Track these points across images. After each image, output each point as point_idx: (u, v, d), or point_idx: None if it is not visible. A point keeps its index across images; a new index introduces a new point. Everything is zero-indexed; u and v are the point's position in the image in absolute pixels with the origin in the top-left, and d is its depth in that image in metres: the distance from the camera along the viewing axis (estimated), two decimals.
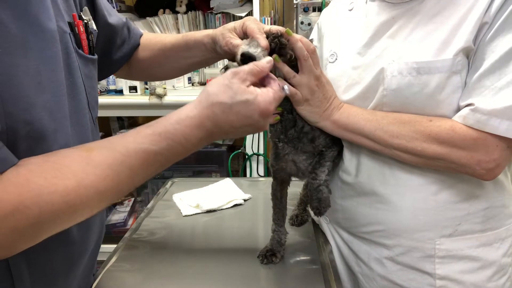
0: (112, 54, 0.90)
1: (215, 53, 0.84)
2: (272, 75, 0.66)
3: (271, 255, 0.86)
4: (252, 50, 0.67)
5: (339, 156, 0.87)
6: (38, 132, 0.54)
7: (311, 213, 0.98)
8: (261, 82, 0.65)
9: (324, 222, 0.96)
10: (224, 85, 0.60)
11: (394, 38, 0.75)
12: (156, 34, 0.98)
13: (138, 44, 0.94)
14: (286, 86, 0.63)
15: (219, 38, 0.79)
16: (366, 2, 0.83)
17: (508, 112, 0.65)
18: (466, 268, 0.77)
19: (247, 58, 0.66)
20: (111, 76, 2.00)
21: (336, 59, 0.86)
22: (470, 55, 0.69)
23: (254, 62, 0.64)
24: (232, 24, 0.79)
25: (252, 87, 0.61)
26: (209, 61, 0.90)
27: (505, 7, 0.65)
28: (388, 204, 0.79)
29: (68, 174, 0.50)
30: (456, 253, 0.76)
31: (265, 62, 0.65)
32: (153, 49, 0.94)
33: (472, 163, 0.69)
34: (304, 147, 0.82)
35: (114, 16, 0.87)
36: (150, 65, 0.95)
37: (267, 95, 0.62)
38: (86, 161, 0.52)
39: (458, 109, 0.71)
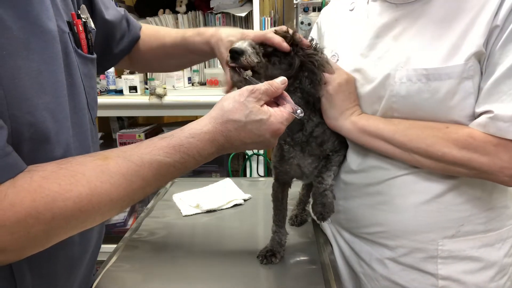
0: (113, 49, 0.91)
1: (215, 56, 0.87)
2: (287, 97, 0.67)
3: (271, 255, 0.85)
4: (239, 44, 0.69)
5: (344, 159, 0.86)
6: (41, 134, 0.54)
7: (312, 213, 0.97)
8: (274, 99, 0.67)
9: (325, 222, 0.96)
10: (240, 102, 0.61)
11: (397, 40, 0.75)
12: (156, 29, 0.97)
13: (138, 37, 0.95)
14: (299, 110, 0.65)
15: (217, 52, 0.84)
16: (368, 2, 0.82)
17: None
18: (468, 269, 0.76)
19: (234, 53, 0.68)
20: (111, 76, 2.00)
21: (338, 60, 0.85)
22: (482, 59, 0.68)
23: (269, 82, 0.65)
24: (229, 38, 0.81)
25: (266, 107, 0.63)
26: (210, 58, 0.95)
27: None
28: (391, 205, 0.79)
29: (82, 181, 0.51)
30: (459, 254, 0.76)
31: (279, 82, 0.66)
32: (151, 47, 0.95)
33: (495, 170, 0.68)
34: (312, 150, 0.81)
35: (112, 10, 0.86)
36: (150, 59, 0.98)
37: (281, 115, 0.64)
38: (101, 169, 0.53)
39: (471, 114, 0.70)
